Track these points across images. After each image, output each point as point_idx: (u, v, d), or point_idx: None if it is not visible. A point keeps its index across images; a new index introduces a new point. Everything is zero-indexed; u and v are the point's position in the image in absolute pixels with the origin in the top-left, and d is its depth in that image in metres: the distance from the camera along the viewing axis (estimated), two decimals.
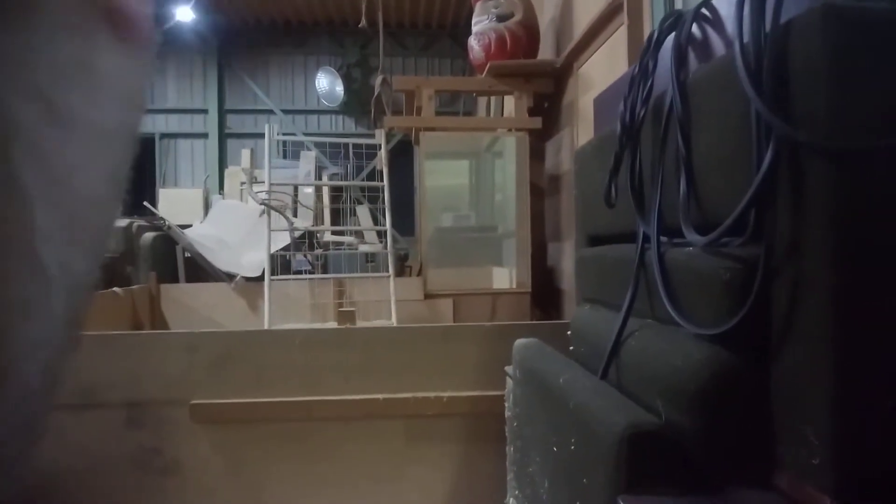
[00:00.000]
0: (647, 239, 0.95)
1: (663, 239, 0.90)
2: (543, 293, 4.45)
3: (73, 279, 0.33)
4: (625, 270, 1.02)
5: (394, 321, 3.79)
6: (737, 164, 0.76)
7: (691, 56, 0.93)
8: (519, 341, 1.33)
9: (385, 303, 3.85)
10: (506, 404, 1.41)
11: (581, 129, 3.86)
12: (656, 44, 0.97)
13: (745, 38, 0.72)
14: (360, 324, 3.81)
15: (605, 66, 3.34)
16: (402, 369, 1.50)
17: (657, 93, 0.97)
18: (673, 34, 0.95)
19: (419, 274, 4.32)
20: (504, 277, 4.73)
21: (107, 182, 0.35)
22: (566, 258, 4.23)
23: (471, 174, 6.01)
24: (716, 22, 0.89)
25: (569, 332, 1.31)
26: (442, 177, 5.28)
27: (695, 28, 0.92)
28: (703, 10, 0.91)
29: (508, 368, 1.41)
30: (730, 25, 0.85)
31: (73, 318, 0.34)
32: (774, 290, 0.69)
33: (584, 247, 1.33)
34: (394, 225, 4.16)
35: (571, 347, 1.29)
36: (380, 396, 1.48)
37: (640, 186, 0.98)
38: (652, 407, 0.80)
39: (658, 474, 0.68)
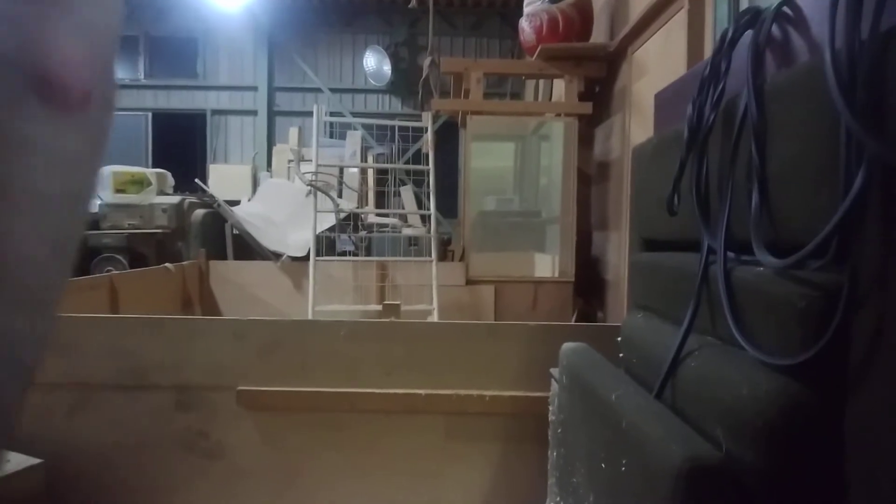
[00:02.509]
0: (710, 251, 0.90)
1: (730, 255, 0.84)
2: (587, 283, 4.37)
3: (13, 337, 0.35)
4: (684, 282, 0.98)
5: (435, 306, 3.79)
6: (818, 181, 0.70)
7: (769, 58, 0.86)
8: (567, 345, 1.30)
9: (427, 287, 3.85)
10: (550, 408, 1.39)
11: (633, 116, 3.73)
12: (730, 42, 0.91)
13: (837, 44, 0.66)
14: (401, 308, 3.82)
15: (661, 52, 3.20)
16: (445, 365, 1.48)
17: (729, 96, 0.91)
18: (750, 33, 0.88)
19: (461, 259, 4.30)
20: (547, 264, 4.67)
21: (48, 247, 0.35)
22: (612, 248, 4.14)
23: (516, 157, 5.92)
24: (799, 23, 0.82)
25: (619, 338, 1.27)
26: (487, 159, 5.21)
27: (775, 28, 0.85)
28: (785, 9, 0.84)
29: (554, 371, 1.38)
30: (815, 28, 0.78)
31: (17, 373, 0.36)
32: (856, 322, 0.63)
33: (639, 250, 1.28)
34: (437, 207, 4.14)
35: (621, 355, 1.25)
36: (421, 392, 1.47)
37: (706, 196, 0.93)
38: (710, 435, 0.76)
39: None
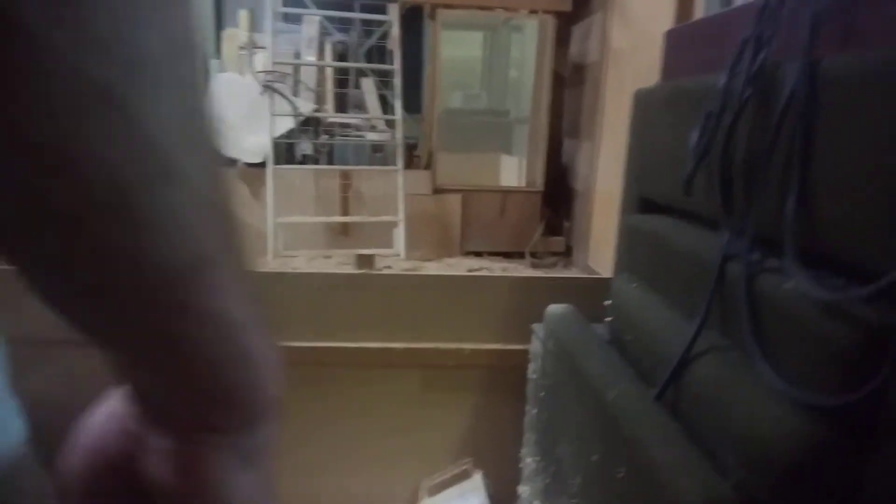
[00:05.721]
0: (731, 242, 0.82)
1: (755, 256, 0.76)
2: (556, 191, 4.31)
3: None
4: (692, 268, 0.90)
5: (401, 217, 3.69)
6: (880, 191, 0.61)
7: (829, 33, 0.73)
8: (552, 308, 1.24)
9: (392, 197, 3.72)
10: (531, 364, 1.35)
11: (615, 16, 3.49)
12: (780, 2, 0.77)
13: None
14: (366, 219, 3.70)
15: None
16: (423, 318, 1.41)
17: (772, 65, 0.78)
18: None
19: (427, 166, 4.14)
20: (514, 167, 4.56)
21: None
22: (583, 157, 4.04)
23: (485, 49, 5.58)
24: None
25: (607, 302, 1.21)
26: (454, 49, 4.87)
27: None
28: None
29: (536, 327, 1.33)
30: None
31: None
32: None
33: (635, 211, 1.18)
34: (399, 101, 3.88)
35: (608, 319, 1.19)
36: (398, 345, 1.41)
37: (729, 180, 0.82)
38: (719, 457, 0.71)
39: None
